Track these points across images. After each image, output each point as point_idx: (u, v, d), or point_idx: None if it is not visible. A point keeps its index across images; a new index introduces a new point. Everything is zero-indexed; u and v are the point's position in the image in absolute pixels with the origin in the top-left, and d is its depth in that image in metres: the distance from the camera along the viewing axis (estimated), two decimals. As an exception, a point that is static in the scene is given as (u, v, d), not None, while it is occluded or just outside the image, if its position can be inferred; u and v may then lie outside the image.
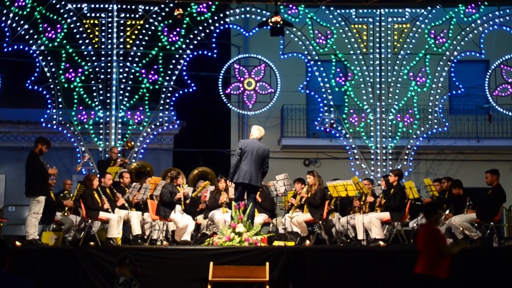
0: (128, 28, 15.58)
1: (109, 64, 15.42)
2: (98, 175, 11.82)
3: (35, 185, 10.00)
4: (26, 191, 10.12)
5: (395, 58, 16.03)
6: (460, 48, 16.09)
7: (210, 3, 15.54)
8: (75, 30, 15.36)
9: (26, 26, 15.07)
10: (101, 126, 15.41)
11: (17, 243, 10.01)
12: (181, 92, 15.64)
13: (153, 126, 15.61)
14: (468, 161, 17.47)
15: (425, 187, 11.93)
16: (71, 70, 15.34)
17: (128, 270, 6.45)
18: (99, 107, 15.37)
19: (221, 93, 16.01)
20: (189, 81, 15.63)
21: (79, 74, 15.34)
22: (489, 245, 10.09)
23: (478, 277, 9.02)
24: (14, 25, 15.05)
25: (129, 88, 15.49)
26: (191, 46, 15.60)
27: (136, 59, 15.51)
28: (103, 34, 15.45)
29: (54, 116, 15.27)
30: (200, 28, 15.56)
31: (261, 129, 10.12)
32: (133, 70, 15.48)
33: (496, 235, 10.38)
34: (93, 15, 15.51)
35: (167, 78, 15.54)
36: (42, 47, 15.18)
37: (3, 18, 15.04)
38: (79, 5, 15.38)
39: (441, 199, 11.45)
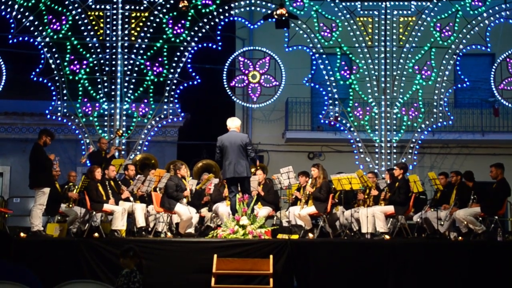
0: (133, 20, 15.55)
1: (113, 56, 15.40)
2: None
3: (39, 176, 10.02)
4: (30, 183, 10.15)
5: (400, 51, 15.96)
6: (466, 41, 16.01)
7: (215, -5, 15.51)
8: (80, 22, 15.33)
9: (31, 18, 15.05)
10: (105, 118, 15.42)
11: (22, 234, 10.05)
12: (185, 84, 15.62)
13: (157, 119, 15.61)
14: (473, 155, 17.44)
15: (429, 180, 11.91)
16: (76, 62, 15.33)
17: (132, 262, 6.45)
18: (104, 99, 15.38)
19: (225, 85, 16.00)
20: (193, 74, 15.61)
21: (84, 66, 15.34)
22: (494, 239, 10.06)
23: (483, 271, 9.02)
24: (19, 16, 15.04)
25: (133, 80, 15.48)
26: (196, 39, 15.56)
27: (141, 51, 15.49)
28: (107, 26, 15.42)
29: (59, 108, 15.28)
30: (205, 20, 15.52)
31: (235, 119, 10.17)
32: (137, 63, 15.47)
33: (501, 229, 10.33)
34: (98, 7, 15.45)
35: (172, 70, 15.52)
36: (47, 39, 15.17)
37: (8, 10, 15.04)
38: (84, -3, 15.37)
39: (446, 193, 11.43)
